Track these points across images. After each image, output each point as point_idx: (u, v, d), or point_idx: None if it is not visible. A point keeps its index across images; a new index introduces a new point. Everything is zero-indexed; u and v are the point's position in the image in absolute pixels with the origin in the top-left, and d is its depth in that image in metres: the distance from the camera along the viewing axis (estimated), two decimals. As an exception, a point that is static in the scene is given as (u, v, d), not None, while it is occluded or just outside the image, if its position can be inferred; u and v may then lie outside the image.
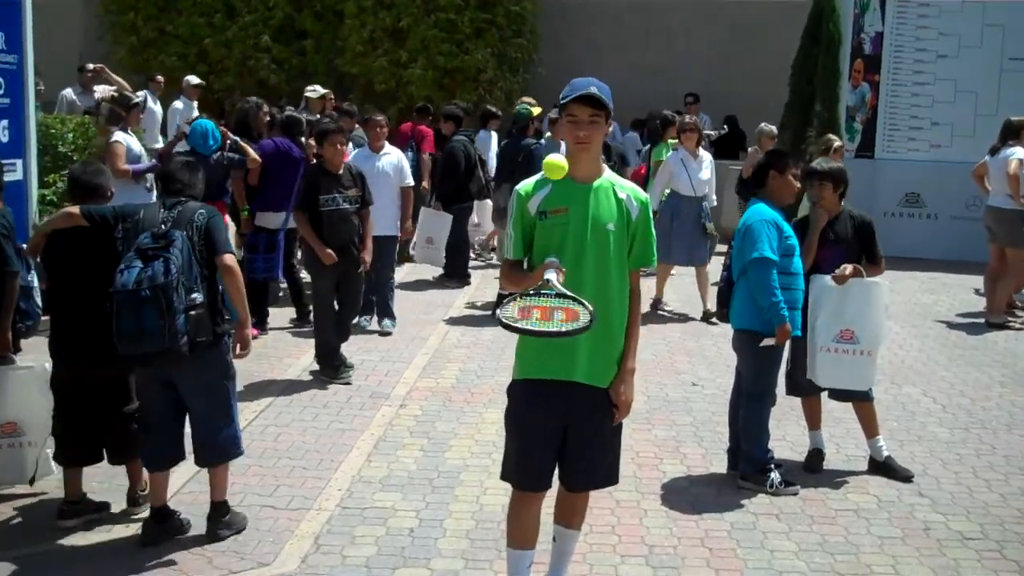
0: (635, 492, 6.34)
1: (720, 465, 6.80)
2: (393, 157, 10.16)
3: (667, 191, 11.44)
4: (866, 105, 15.88)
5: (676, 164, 11.33)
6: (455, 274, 12.70)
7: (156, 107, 15.32)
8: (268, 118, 11.03)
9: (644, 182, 12.86)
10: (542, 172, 4.35)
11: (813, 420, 6.91)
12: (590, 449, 4.48)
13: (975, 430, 7.70)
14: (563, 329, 3.95)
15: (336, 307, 8.73)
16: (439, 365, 9.04)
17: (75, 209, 5.59)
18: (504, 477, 4.59)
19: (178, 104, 15.48)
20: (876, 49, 15.82)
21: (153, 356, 5.15)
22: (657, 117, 13.24)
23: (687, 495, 6.35)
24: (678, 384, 8.71)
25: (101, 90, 14.18)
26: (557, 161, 4.21)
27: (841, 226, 6.75)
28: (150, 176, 9.92)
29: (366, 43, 18.63)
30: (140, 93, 15.28)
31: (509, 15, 18.99)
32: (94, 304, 5.39)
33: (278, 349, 9.42)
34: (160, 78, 16.33)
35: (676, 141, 11.70)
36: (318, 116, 12.32)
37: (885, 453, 6.79)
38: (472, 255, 13.51)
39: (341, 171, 8.59)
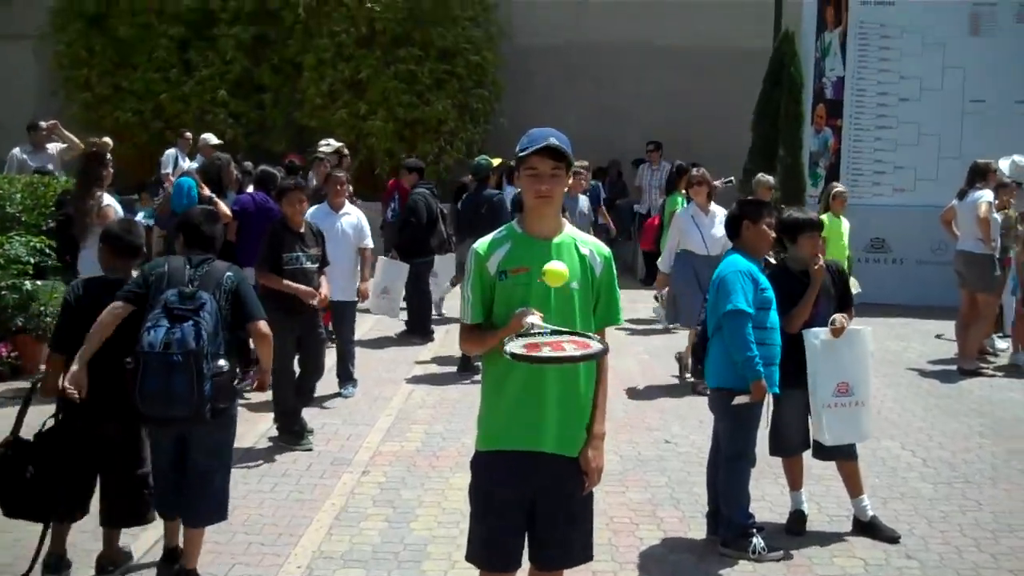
0: (612, 562, 6.04)
1: (699, 529, 6.51)
2: (353, 217, 9.78)
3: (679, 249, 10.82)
4: (829, 150, 15.81)
5: (686, 221, 10.55)
6: (418, 330, 12.41)
7: (186, 163, 15.03)
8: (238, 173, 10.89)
9: (658, 234, 12.64)
10: (501, 228, 4.20)
11: (795, 481, 6.63)
12: (562, 524, 4.19)
13: (958, 485, 7.46)
14: (579, 354, 3.83)
15: (296, 369, 8.42)
16: (403, 427, 8.72)
17: (121, 307, 5.40)
18: (470, 558, 4.29)
19: (169, 152, 15.43)
20: (838, 93, 15.78)
21: (178, 420, 5.24)
22: (618, 167, 13.16)
23: (666, 564, 6.06)
24: (651, 442, 8.44)
25: (54, 147, 13.91)
26: (558, 270, 3.95)
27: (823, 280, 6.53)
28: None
29: (325, 96, 18.42)
30: (169, 151, 15.06)
31: (469, 66, 18.85)
32: (113, 360, 5.32)
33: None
34: (188, 134, 16.02)
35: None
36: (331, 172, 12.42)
37: (870, 513, 6.52)
38: (434, 311, 13.20)
39: (303, 229, 8.34)
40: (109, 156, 9.99)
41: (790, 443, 6.52)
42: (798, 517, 6.57)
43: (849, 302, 6.65)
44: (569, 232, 4.22)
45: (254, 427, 8.68)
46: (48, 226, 10.59)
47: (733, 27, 18.86)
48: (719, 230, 9.81)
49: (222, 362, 5.30)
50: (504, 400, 4.11)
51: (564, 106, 19.74)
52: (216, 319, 5.29)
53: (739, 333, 5.96)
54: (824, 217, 11.99)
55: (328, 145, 13.62)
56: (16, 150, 14.25)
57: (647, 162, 18.17)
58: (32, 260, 10.11)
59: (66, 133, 11.62)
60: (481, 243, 4.18)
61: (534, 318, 3.90)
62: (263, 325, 5.55)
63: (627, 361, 11.28)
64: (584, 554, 4.31)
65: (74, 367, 5.36)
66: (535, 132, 4.11)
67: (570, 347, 3.84)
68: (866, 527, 6.48)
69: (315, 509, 6.81)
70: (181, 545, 5.62)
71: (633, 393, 9.97)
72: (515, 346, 3.84)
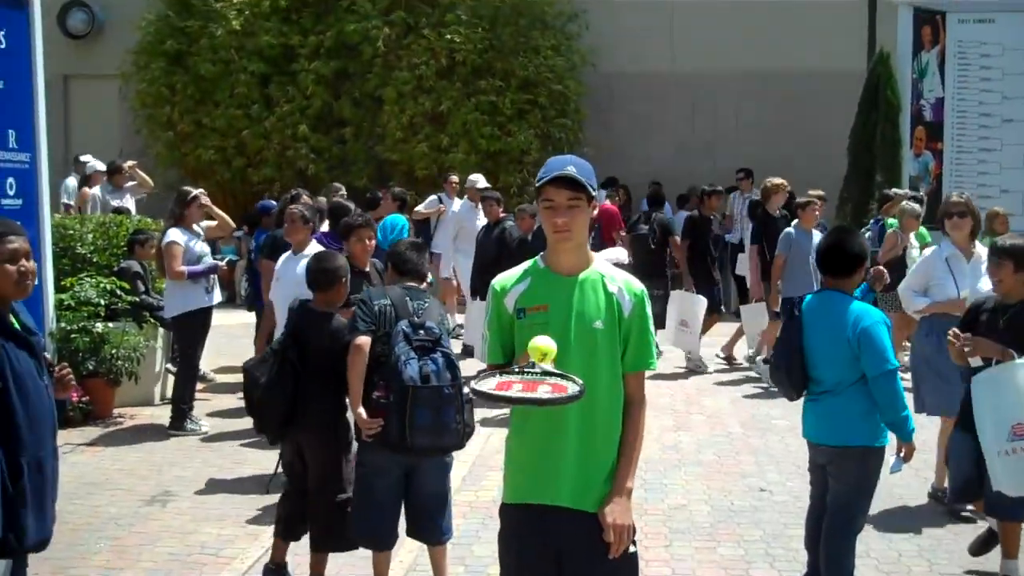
0: (700, 630, 5.52)
1: (797, 592, 5.97)
2: None
3: None
4: (930, 174, 15.14)
5: (939, 267, 7.65)
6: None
7: (455, 206, 14.97)
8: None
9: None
10: (526, 263, 3.91)
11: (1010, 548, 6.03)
12: None
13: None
14: (546, 397, 3.47)
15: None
16: (479, 475, 8.27)
17: (366, 342, 5.55)
18: None
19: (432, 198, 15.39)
20: (937, 115, 15.13)
21: (443, 450, 5.49)
22: (697, 192, 12.71)
23: (761, 633, 5.52)
24: (744, 490, 7.88)
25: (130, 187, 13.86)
26: (543, 346, 3.57)
27: (1017, 315, 5.93)
28: (212, 276, 9.64)
29: (406, 129, 18.16)
30: (431, 197, 14.85)
31: (552, 95, 18.46)
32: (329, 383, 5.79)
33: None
34: (454, 179, 15.44)
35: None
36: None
37: None
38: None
39: (368, 268, 7.95)
40: (197, 195, 9.81)
41: (957, 489, 6.18)
42: None
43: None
44: (597, 267, 3.85)
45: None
46: (119, 267, 10.41)
47: (825, 50, 18.16)
48: (986, 282, 6.90)
49: (466, 389, 5.28)
50: (524, 449, 3.85)
51: (650, 134, 19.31)
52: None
53: (897, 391, 5.32)
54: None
55: (476, 181, 14.38)
56: (96, 189, 14.23)
57: (738, 190, 17.56)
58: (103, 302, 9.91)
59: (141, 173, 11.35)
60: (500, 279, 3.90)
61: (544, 340, 3.58)
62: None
63: (720, 401, 10.74)
64: None
65: (360, 411, 5.55)
66: (553, 161, 3.81)
67: (544, 388, 3.49)
68: None
69: (382, 566, 6.35)
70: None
71: (725, 436, 9.41)
72: (483, 385, 3.55)
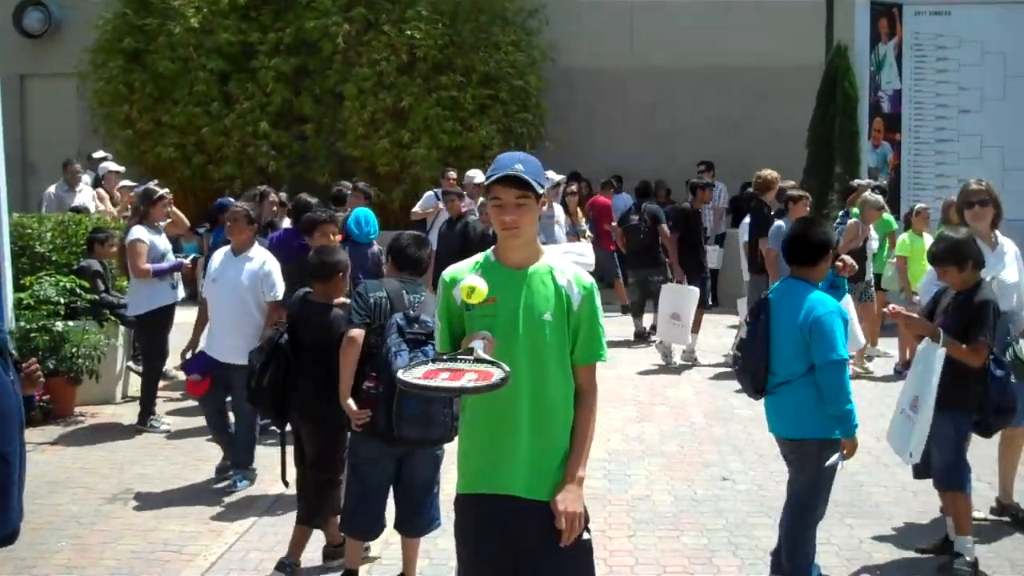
0: (664, 618, 5.55)
1: (759, 578, 6.02)
2: (256, 263, 7.92)
3: None
4: (888, 165, 15.24)
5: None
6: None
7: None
8: (276, 206, 10.75)
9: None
10: (477, 256, 3.95)
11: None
12: (546, 573, 3.80)
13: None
14: (470, 386, 3.45)
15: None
16: (444, 467, 8.24)
17: (359, 335, 5.60)
18: None
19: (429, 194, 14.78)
20: (895, 107, 15.25)
21: (431, 442, 5.50)
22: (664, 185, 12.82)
23: (724, 620, 5.55)
24: (707, 480, 7.92)
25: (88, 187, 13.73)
26: (469, 285, 3.64)
27: (962, 302, 6.09)
28: (176, 273, 9.62)
29: (367, 125, 18.10)
30: (428, 195, 14.32)
31: (513, 90, 18.47)
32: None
33: (269, 457, 8.63)
34: (452, 175, 15.09)
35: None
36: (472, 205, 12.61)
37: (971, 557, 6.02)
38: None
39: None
40: (163, 195, 9.78)
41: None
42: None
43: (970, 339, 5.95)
44: (547, 261, 3.88)
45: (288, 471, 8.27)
46: (79, 265, 10.33)
47: (784, 43, 18.27)
48: (1011, 273, 6.79)
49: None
50: (476, 440, 3.85)
51: (611, 128, 19.37)
52: None
53: (843, 384, 5.32)
54: (904, 236, 11.47)
55: (473, 176, 13.91)
56: (52, 187, 14.09)
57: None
58: (63, 300, 9.82)
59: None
60: (451, 270, 3.93)
61: (477, 343, 3.60)
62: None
63: (683, 392, 10.77)
64: None
65: (348, 402, 5.59)
66: (502, 158, 3.84)
67: (469, 376, 3.48)
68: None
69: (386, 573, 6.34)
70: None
71: (688, 426, 9.45)
72: (409, 374, 3.56)
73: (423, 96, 17.96)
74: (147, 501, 7.58)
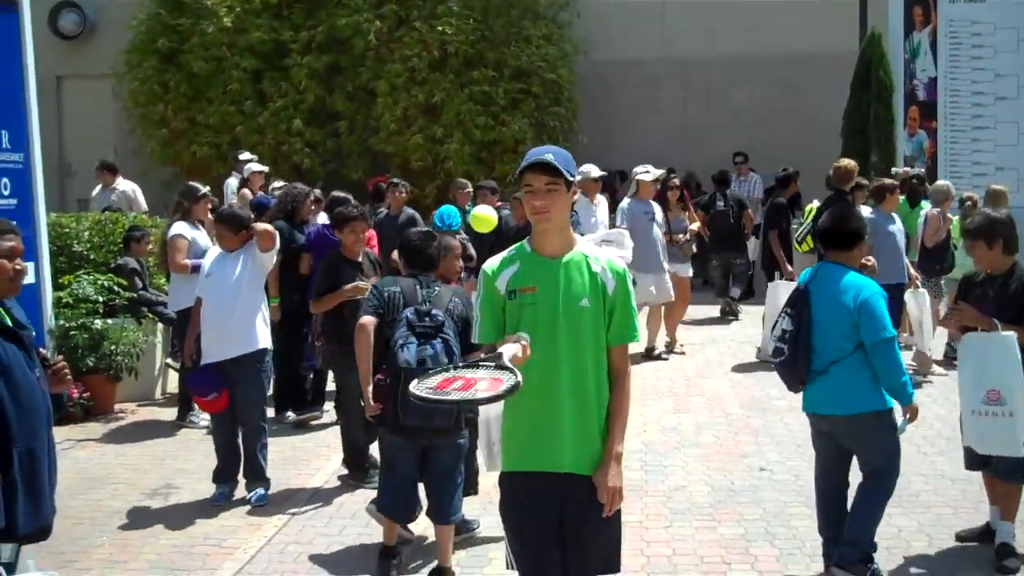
0: (702, 607, 5.54)
1: (797, 567, 6.01)
2: (250, 251, 7.72)
3: None
4: (925, 153, 15.14)
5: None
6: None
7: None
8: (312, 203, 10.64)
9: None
10: (512, 248, 4.16)
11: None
12: (583, 546, 4.10)
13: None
14: (481, 397, 3.62)
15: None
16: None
17: (372, 321, 5.92)
18: (511, 567, 4.20)
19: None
20: (931, 95, 15.15)
21: (436, 431, 5.74)
22: (694, 178, 12.71)
23: (762, 609, 5.53)
24: (744, 470, 7.89)
25: (126, 186, 13.80)
26: (483, 213, 3.69)
27: (1002, 287, 6.03)
28: None
29: (400, 121, 18.13)
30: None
31: (545, 84, 18.43)
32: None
33: (307, 451, 8.73)
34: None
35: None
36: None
37: (1012, 543, 6.01)
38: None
39: (361, 258, 7.97)
40: (206, 193, 9.94)
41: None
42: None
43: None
44: (581, 249, 4.12)
45: (326, 464, 8.33)
46: (116, 263, 10.42)
47: (817, 32, 18.14)
48: None
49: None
50: (521, 420, 4.06)
51: (644, 121, 19.32)
52: (455, 337, 5.74)
53: (896, 359, 5.57)
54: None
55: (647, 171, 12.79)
56: (97, 188, 14.24)
57: (735, 174, 17.56)
58: (101, 299, 9.92)
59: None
60: (490, 263, 4.14)
61: (507, 348, 3.74)
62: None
63: (719, 383, 10.73)
64: (607, 565, 4.17)
65: (368, 390, 5.92)
66: (532, 151, 4.04)
67: (481, 384, 3.64)
68: (997, 549, 6.00)
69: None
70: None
71: (724, 417, 9.42)
72: (422, 386, 3.70)
73: (455, 91, 17.96)
74: (187, 496, 7.65)
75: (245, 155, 15.29)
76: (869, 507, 5.74)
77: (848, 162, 11.71)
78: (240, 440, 7.61)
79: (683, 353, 12.04)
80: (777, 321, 5.90)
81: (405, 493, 5.99)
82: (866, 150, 14.97)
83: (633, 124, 19.32)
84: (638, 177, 11.97)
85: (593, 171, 11.92)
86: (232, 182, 15.17)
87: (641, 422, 9.00)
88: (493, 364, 3.69)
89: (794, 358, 5.76)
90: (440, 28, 17.90)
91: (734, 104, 19.37)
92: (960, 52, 15.14)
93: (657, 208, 12.04)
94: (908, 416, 5.70)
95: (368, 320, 5.92)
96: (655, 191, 12.16)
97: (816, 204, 11.75)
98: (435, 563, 6.00)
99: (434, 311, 5.77)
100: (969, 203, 11.20)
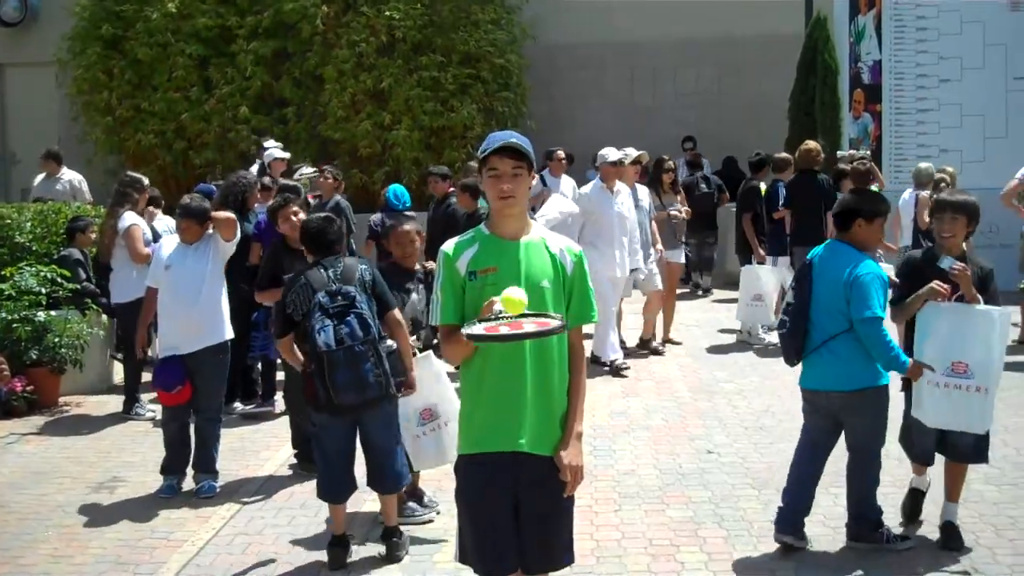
0: (650, 591, 5.57)
1: (745, 550, 6.05)
2: (212, 239, 7.64)
3: None
4: (869, 136, 15.26)
5: None
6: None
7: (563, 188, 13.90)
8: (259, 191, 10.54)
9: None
10: (469, 231, 4.22)
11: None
12: (544, 526, 4.14)
13: (1026, 486, 6.93)
14: (537, 330, 3.82)
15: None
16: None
17: (287, 340, 6.30)
18: (463, 560, 4.23)
19: None
20: (875, 78, 15.26)
21: (371, 403, 5.88)
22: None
23: (710, 591, 5.57)
24: (692, 453, 7.94)
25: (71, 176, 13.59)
26: (513, 297, 3.86)
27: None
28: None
29: (348, 107, 17.99)
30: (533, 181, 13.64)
31: (494, 69, 18.37)
32: None
33: (255, 442, 8.68)
34: (561, 154, 14.09)
35: None
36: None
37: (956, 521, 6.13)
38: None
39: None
40: (147, 182, 9.85)
41: (920, 451, 6.27)
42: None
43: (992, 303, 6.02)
44: (537, 232, 4.20)
45: (274, 455, 8.29)
46: (59, 255, 10.28)
47: (763, 15, 18.25)
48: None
49: (390, 342, 6.12)
50: (483, 402, 4.08)
51: (593, 105, 19.34)
52: (369, 307, 5.94)
53: (880, 336, 5.73)
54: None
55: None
56: (38, 178, 13.99)
57: (683, 159, 17.64)
58: (44, 290, 9.78)
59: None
60: (449, 245, 4.16)
61: (500, 304, 3.86)
62: (398, 313, 6.21)
63: (668, 367, 10.80)
64: (567, 556, 4.24)
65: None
66: (495, 135, 4.13)
67: (529, 325, 3.83)
68: (942, 529, 6.11)
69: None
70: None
71: (673, 400, 9.48)
72: (474, 328, 3.82)
73: (403, 77, 17.85)
74: (133, 489, 7.58)
75: (269, 142, 14.88)
76: (865, 481, 6.01)
77: (814, 144, 12.02)
78: (192, 432, 7.54)
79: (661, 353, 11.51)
80: (785, 294, 6.07)
81: (339, 470, 6.09)
82: (812, 133, 15.05)
83: (581, 108, 19.35)
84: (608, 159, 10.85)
85: (611, 155, 10.78)
86: (255, 170, 14.70)
87: (590, 406, 9.00)
88: (515, 315, 3.83)
89: (794, 331, 5.99)
90: (388, 13, 17.73)
91: (681, 87, 19.47)
92: (904, 35, 15.25)
93: (644, 193, 11.53)
94: (914, 372, 5.81)
95: (282, 341, 6.30)
96: (636, 174, 11.53)
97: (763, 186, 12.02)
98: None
99: (344, 288, 5.92)
100: (944, 184, 11.19)
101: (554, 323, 3.86)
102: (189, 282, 7.45)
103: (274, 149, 13.92)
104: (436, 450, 6.48)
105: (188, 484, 7.50)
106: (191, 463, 7.55)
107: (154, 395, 9.94)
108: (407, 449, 6.38)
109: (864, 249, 5.95)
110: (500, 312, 3.85)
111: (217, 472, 7.50)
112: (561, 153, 14.27)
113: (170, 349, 7.46)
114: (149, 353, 10.13)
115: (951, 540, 6.01)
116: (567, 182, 13.94)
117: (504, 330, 3.79)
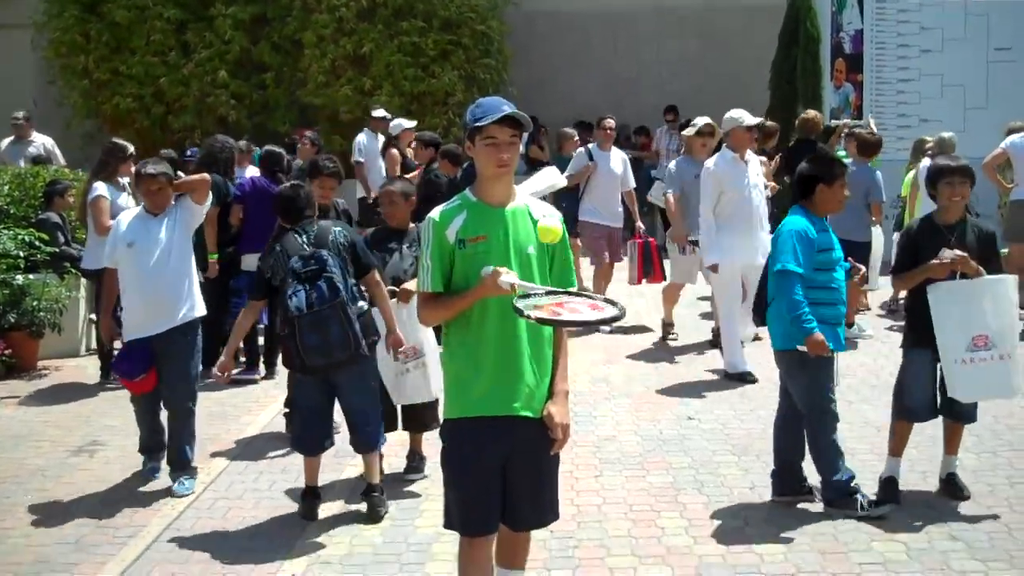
0: (631, 556, 5.60)
1: (725, 516, 6.08)
2: (178, 208, 7.01)
3: None
4: (851, 106, 15.28)
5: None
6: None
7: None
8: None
9: None
10: (455, 198, 4.24)
11: (897, 447, 6.30)
12: (533, 484, 4.26)
13: (1004, 453, 6.99)
14: (597, 317, 3.98)
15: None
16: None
17: (254, 304, 6.51)
18: (449, 525, 4.31)
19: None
20: (857, 47, 15.24)
21: (340, 364, 5.97)
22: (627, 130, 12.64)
23: (691, 557, 5.57)
24: (672, 419, 7.96)
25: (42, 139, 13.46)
26: (549, 226, 4.08)
27: (961, 236, 6.05)
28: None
29: (328, 72, 17.88)
30: (579, 151, 12.21)
31: (475, 35, 18.27)
32: None
33: (236, 407, 8.66)
34: (609, 122, 12.14)
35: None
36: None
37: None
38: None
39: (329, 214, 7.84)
40: (133, 153, 9.60)
41: (915, 407, 6.20)
42: (891, 485, 6.21)
43: (999, 271, 6.08)
44: (523, 199, 4.25)
45: (256, 417, 8.28)
46: (38, 218, 10.20)
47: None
48: None
49: (361, 303, 6.23)
50: (482, 368, 4.11)
51: (574, 72, 19.27)
52: (342, 270, 6.03)
53: (787, 293, 5.83)
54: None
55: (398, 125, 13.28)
56: (4, 141, 13.80)
57: (665, 125, 17.62)
58: (22, 254, 9.70)
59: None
60: (436, 212, 4.18)
61: (510, 277, 3.92)
62: (377, 274, 6.28)
63: (649, 335, 10.80)
64: (553, 513, 4.39)
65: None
66: (487, 102, 4.15)
67: (585, 310, 3.96)
68: (945, 481, 6.31)
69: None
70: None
71: (654, 367, 9.50)
72: (533, 310, 3.86)
73: (384, 42, 17.73)
74: (112, 453, 7.56)
75: (380, 111, 14.47)
76: (817, 443, 6.01)
77: (814, 113, 12.22)
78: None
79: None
80: None
81: (312, 426, 6.23)
82: (793, 102, 15.09)
83: (563, 75, 19.27)
84: (694, 129, 10.28)
85: (746, 118, 9.26)
86: (362, 138, 14.14)
87: (571, 373, 8.95)
88: (544, 291, 3.97)
89: (759, 292, 6.29)
90: (368, -23, 17.63)
91: (663, 55, 19.40)
92: (886, 5, 15.22)
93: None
94: (809, 348, 5.79)
95: (252, 303, 6.48)
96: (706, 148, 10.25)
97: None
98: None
99: (318, 252, 6.05)
100: (930, 151, 11.20)
101: (609, 311, 3.96)
102: (152, 259, 6.74)
103: (402, 120, 13.76)
104: (424, 384, 6.58)
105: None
106: (165, 459, 7.01)
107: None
108: (388, 388, 6.52)
109: (825, 213, 6.08)
110: (513, 285, 3.89)
111: (194, 468, 6.92)
112: (611, 122, 12.07)
113: (135, 332, 6.77)
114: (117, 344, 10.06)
115: (956, 490, 6.20)
116: (617, 155, 11.98)
117: (566, 315, 3.88)
